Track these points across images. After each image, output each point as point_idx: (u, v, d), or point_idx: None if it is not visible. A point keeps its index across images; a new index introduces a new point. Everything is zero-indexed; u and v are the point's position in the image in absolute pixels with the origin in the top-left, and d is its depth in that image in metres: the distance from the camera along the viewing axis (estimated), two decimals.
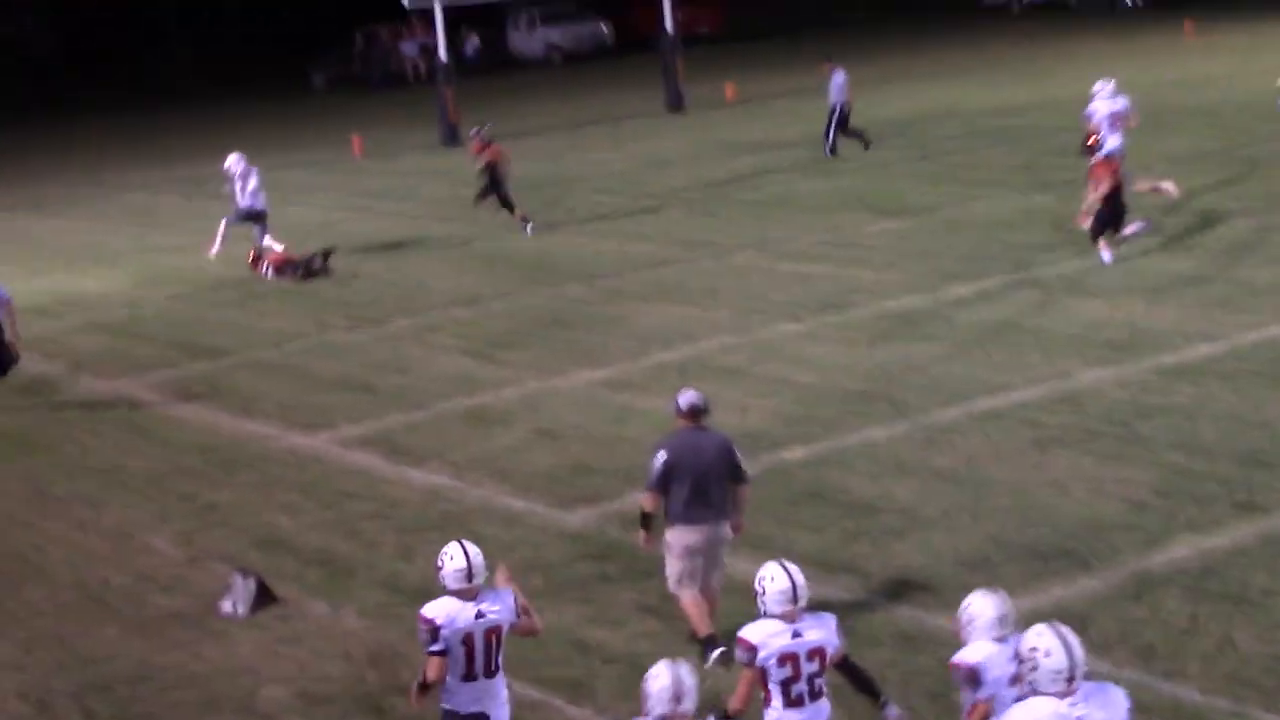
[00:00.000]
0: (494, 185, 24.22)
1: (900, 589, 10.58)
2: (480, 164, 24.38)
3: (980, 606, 7.26)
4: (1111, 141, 20.67)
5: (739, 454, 9.86)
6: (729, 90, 39.45)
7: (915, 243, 20.88)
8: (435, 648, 7.86)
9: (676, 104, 38.48)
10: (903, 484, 12.43)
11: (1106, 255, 18.60)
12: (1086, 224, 19.11)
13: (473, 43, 58.74)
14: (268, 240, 23.21)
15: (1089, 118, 21.85)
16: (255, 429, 15.46)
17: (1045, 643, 6.31)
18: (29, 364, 17.75)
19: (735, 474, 9.81)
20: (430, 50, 43.72)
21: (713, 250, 21.58)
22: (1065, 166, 24.46)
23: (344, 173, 33.02)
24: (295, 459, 14.45)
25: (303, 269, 22.14)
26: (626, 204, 26.02)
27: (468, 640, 7.88)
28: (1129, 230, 18.83)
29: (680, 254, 21.54)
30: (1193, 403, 13.67)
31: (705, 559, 9.78)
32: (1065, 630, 6.35)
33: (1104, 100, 21.83)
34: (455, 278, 21.33)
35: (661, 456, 9.71)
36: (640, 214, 24.95)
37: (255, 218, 23.36)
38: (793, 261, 20.42)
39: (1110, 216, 18.77)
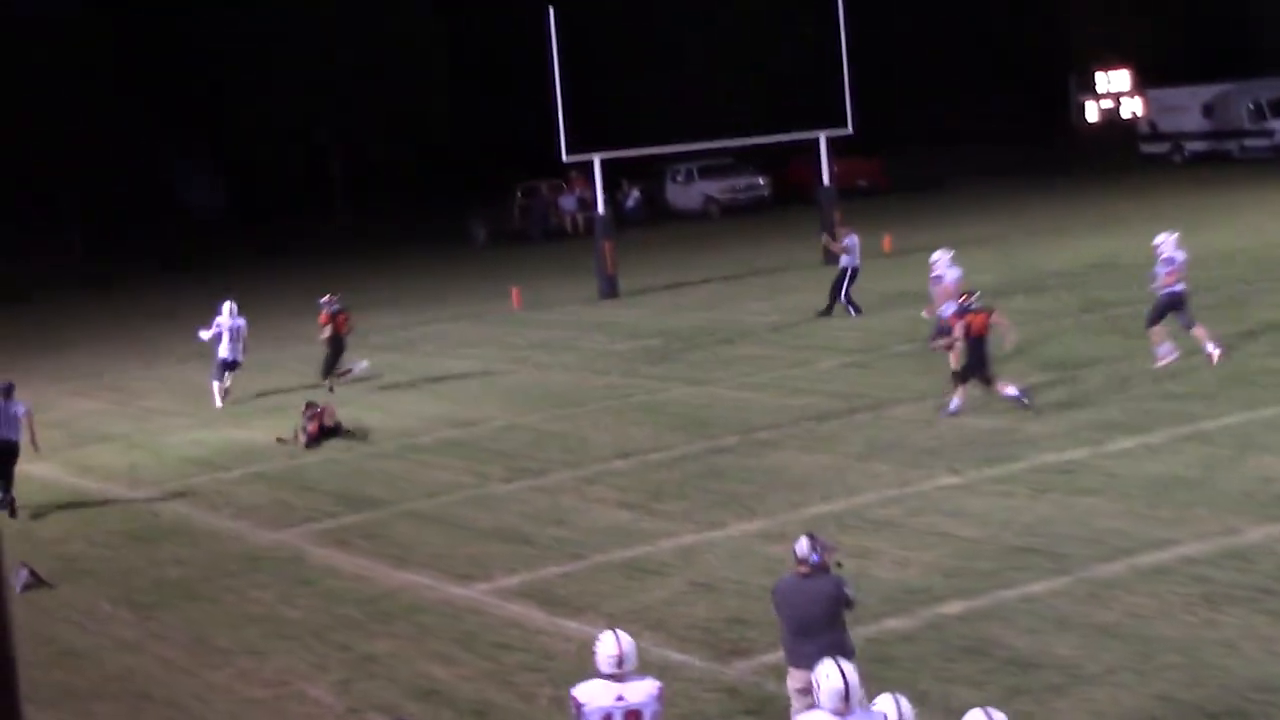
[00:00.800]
0: (333, 353, 25.86)
1: None
2: (323, 334, 25.98)
3: None
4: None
5: (849, 591, 10.16)
6: (886, 242, 39.55)
7: (1075, 395, 20.69)
8: None
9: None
10: (1064, 640, 12.25)
11: None
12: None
13: (634, 196, 59.77)
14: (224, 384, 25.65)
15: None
16: (412, 579, 15.67)
17: None
18: (194, 513, 18.18)
19: (843, 609, 10.13)
20: (589, 203, 44.47)
21: (869, 402, 21.56)
22: (1227, 319, 24.18)
23: (503, 324, 33.56)
24: (451, 609, 14.61)
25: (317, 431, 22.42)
26: (783, 355, 26.12)
27: None
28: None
29: (837, 406, 21.54)
30: None
31: None
32: None
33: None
34: (614, 430, 21.52)
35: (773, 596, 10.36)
36: (796, 365, 25.03)
37: (231, 367, 25.82)
38: (955, 417, 20.30)
39: None
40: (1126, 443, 17.95)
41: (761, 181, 60.14)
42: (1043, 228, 41.20)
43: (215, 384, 26.08)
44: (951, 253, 23.97)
